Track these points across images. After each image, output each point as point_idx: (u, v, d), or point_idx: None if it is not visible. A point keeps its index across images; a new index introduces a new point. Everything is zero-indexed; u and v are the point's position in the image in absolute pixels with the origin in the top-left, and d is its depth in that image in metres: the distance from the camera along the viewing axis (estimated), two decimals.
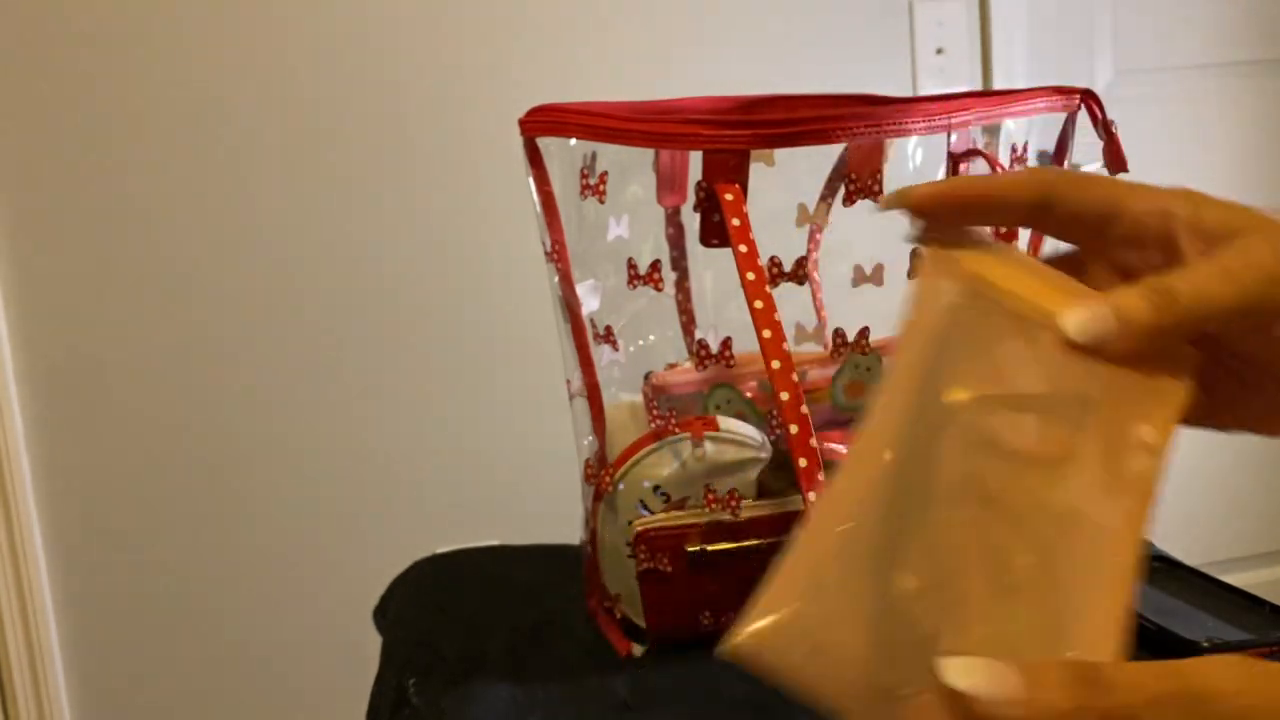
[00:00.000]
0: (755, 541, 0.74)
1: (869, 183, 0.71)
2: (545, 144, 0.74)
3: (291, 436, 1.61)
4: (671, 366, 0.81)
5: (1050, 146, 0.79)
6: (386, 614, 0.95)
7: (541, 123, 0.73)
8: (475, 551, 1.02)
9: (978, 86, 1.77)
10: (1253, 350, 0.41)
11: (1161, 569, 0.83)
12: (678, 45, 1.64)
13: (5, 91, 1.48)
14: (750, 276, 0.65)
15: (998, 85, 1.78)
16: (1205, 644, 0.70)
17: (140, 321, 1.55)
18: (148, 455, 1.57)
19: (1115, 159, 0.78)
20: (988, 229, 0.45)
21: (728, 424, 0.75)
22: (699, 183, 0.67)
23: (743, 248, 0.65)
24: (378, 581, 1.03)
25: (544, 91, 1.63)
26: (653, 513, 0.75)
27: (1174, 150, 1.91)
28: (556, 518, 1.67)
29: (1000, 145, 0.76)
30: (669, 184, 0.70)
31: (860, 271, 0.78)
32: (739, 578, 0.75)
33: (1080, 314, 0.38)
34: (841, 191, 0.74)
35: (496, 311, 1.64)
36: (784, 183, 0.72)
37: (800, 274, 0.71)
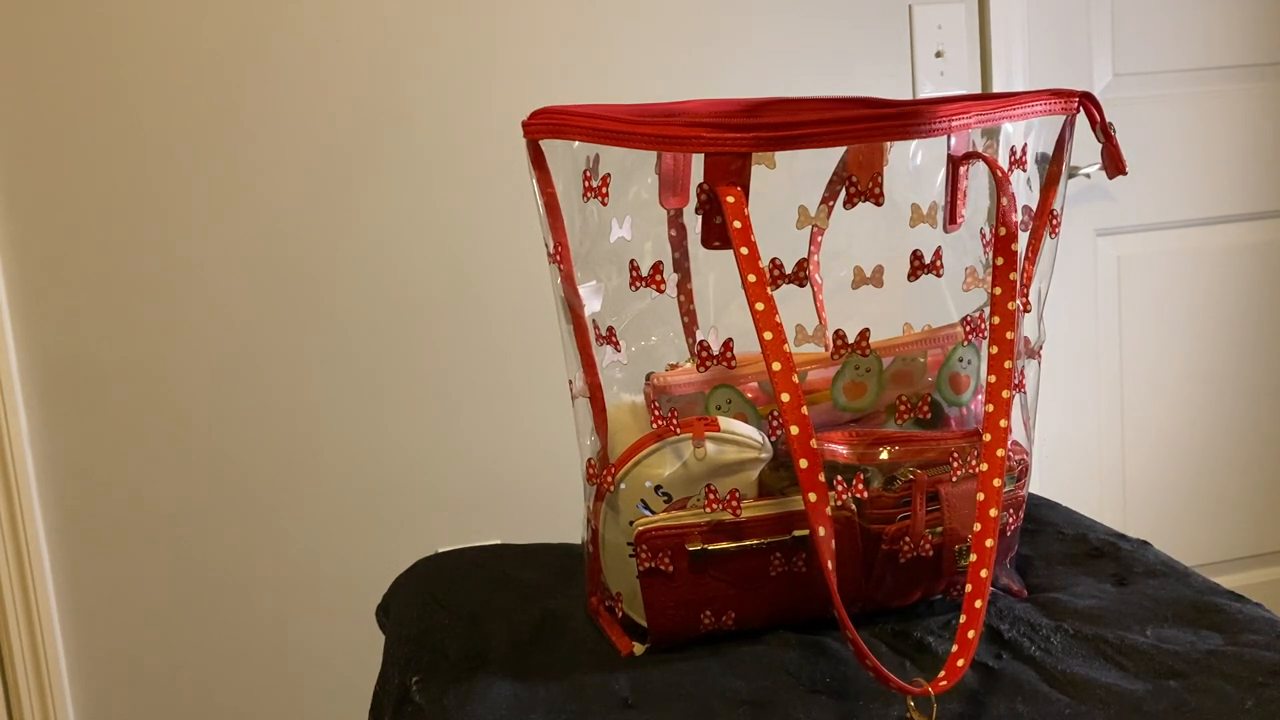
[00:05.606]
0: (756, 541, 0.75)
1: (870, 185, 0.71)
2: (548, 146, 0.75)
3: (294, 436, 1.61)
4: (673, 367, 0.81)
5: (1049, 149, 0.79)
6: (389, 613, 0.95)
7: (545, 125, 0.73)
8: (477, 550, 1.02)
9: (977, 89, 1.77)
10: None
11: None
12: (679, 48, 1.65)
13: (8, 89, 1.48)
14: (751, 279, 0.66)
15: (997, 88, 1.79)
16: None
17: (145, 321, 1.55)
18: (151, 454, 1.58)
19: (1114, 161, 0.78)
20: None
21: (729, 424, 0.76)
22: (701, 185, 0.68)
23: (744, 250, 0.66)
24: (380, 580, 1.03)
25: (547, 94, 1.64)
26: (654, 512, 0.75)
27: (1172, 153, 1.91)
28: (558, 517, 1.68)
29: (1000, 148, 0.77)
30: (671, 186, 0.71)
31: (860, 273, 0.79)
32: (740, 577, 0.76)
33: None
34: (842, 194, 0.74)
35: (499, 312, 1.64)
36: (785, 185, 0.73)
37: (801, 276, 0.71)
